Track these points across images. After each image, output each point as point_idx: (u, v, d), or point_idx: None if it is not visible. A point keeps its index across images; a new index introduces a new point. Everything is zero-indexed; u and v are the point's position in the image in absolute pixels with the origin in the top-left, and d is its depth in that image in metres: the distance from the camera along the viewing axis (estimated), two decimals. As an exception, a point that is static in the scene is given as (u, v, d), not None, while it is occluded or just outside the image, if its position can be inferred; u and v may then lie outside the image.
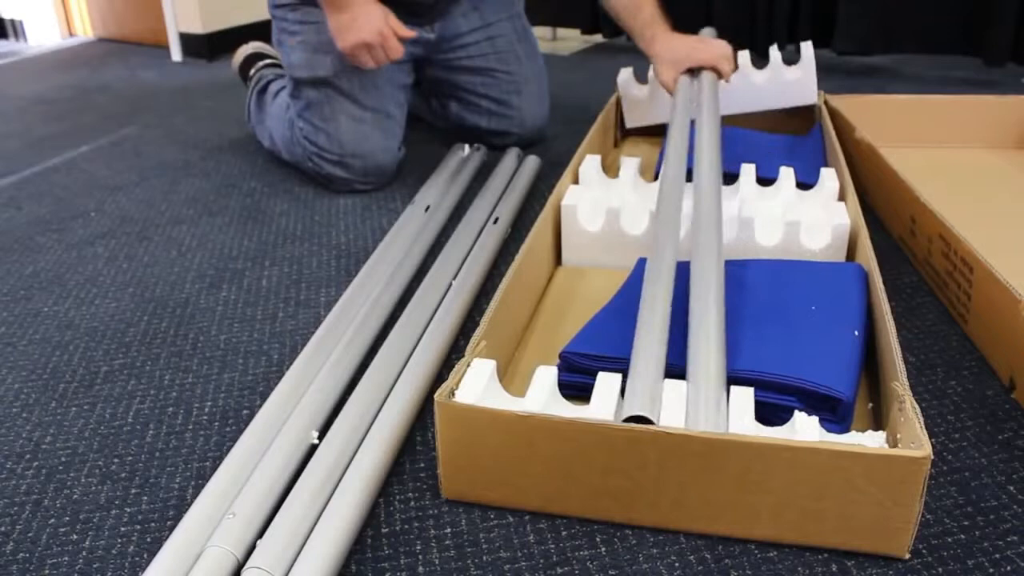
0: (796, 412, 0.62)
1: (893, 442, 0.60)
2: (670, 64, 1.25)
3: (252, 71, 1.53)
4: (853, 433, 0.60)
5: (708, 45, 1.25)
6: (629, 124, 1.44)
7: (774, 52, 1.37)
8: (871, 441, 0.59)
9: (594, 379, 0.65)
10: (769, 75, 1.35)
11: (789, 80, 1.35)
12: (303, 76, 1.25)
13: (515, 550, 0.62)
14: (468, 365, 0.66)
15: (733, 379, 0.68)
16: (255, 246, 1.12)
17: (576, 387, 0.72)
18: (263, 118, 1.43)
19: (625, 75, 1.42)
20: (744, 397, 0.63)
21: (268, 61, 1.54)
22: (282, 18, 1.27)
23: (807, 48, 1.34)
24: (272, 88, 1.43)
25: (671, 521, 0.63)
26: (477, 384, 0.65)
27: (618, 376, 0.65)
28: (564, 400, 0.66)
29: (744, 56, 1.37)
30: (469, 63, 1.38)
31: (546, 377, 0.65)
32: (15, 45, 2.49)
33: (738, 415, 0.62)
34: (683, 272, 0.90)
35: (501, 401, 0.64)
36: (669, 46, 1.25)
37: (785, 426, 0.62)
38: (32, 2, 2.49)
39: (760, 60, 1.99)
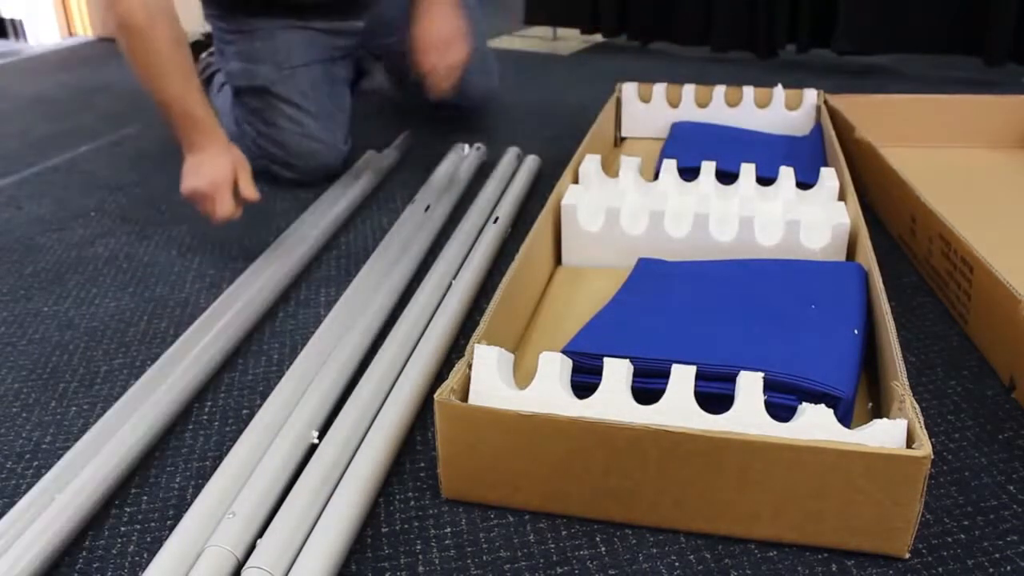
0: (805, 405, 0.62)
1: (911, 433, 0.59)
2: (416, 44, 1.22)
3: (203, 54, 1.53)
4: (876, 421, 0.59)
5: (443, 55, 1.21)
6: (625, 134, 1.44)
7: (777, 92, 1.37)
8: (892, 429, 0.59)
9: (594, 377, 0.65)
10: (770, 114, 1.38)
11: (790, 121, 1.38)
12: (241, 84, 1.27)
13: (515, 550, 0.62)
14: (473, 354, 0.66)
15: (732, 378, 0.68)
16: (255, 246, 1.12)
17: (576, 386, 0.72)
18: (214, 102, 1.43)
19: (629, 90, 1.42)
20: (753, 384, 0.63)
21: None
22: (216, 27, 1.29)
23: (810, 93, 1.37)
24: (217, 80, 1.44)
25: (671, 521, 0.63)
26: (488, 370, 0.65)
27: (626, 364, 0.65)
28: (570, 391, 0.65)
29: (749, 92, 1.38)
30: (403, 47, 1.36)
31: (551, 366, 0.65)
32: (15, 45, 2.49)
33: (746, 404, 0.62)
34: (687, 271, 0.91)
35: (510, 394, 0.64)
36: (429, 22, 1.21)
37: (794, 420, 0.61)
38: (32, 2, 2.48)
39: (762, 58, 1.98)
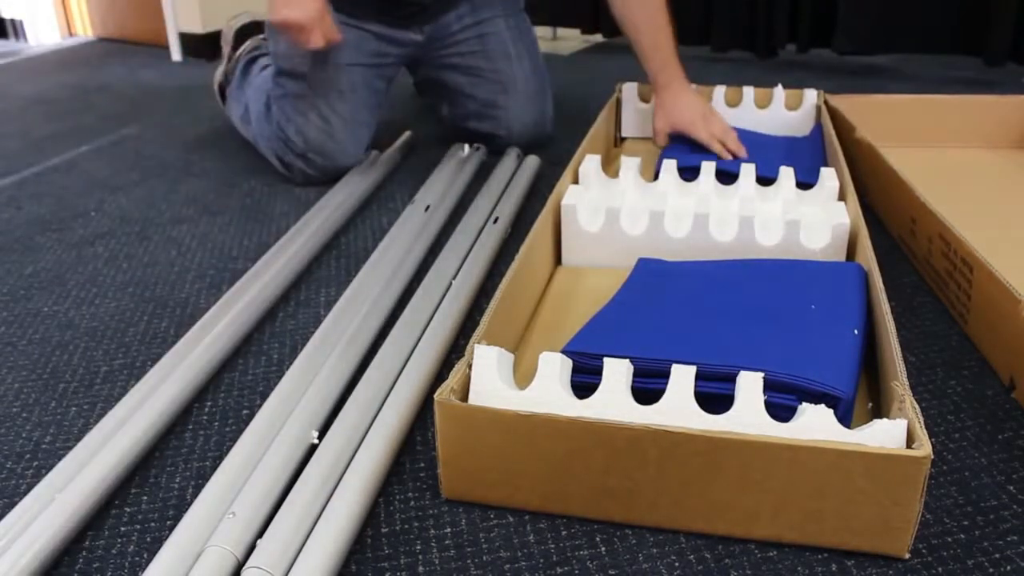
0: (805, 405, 0.62)
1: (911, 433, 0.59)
2: (668, 121, 1.29)
3: (248, 41, 1.53)
4: (876, 421, 0.59)
5: (709, 123, 1.27)
6: (625, 134, 1.44)
7: (778, 92, 1.37)
8: (892, 429, 0.59)
9: (594, 377, 0.65)
10: (770, 114, 1.38)
11: (790, 121, 1.38)
12: (284, 66, 1.28)
13: (515, 550, 0.62)
14: (472, 355, 0.66)
15: (732, 378, 0.68)
16: (255, 246, 1.12)
17: (576, 386, 0.72)
18: (244, 86, 1.44)
19: (629, 90, 1.42)
20: (753, 384, 0.63)
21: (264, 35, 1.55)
22: None
23: (810, 94, 1.37)
24: (261, 61, 1.44)
25: (671, 521, 0.63)
26: (488, 370, 0.65)
27: (626, 364, 0.65)
28: (570, 391, 0.65)
29: (749, 92, 1.38)
30: (459, 61, 1.37)
31: (551, 366, 0.65)
32: (15, 45, 2.49)
33: (746, 404, 0.62)
34: (687, 271, 0.91)
35: (510, 394, 0.64)
36: (675, 103, 1.28)
37: (794, 420, 0.61)
38: (32, 2, 2.49)
39: (762, 58, 1.98)
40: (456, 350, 0.87)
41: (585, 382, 0.68)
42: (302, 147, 1.29)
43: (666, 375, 0.64)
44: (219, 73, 1.57)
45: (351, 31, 1.28)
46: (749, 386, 0.62)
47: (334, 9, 1.26)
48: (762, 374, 0.63)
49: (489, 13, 1.37)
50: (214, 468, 0.70)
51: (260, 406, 0.77)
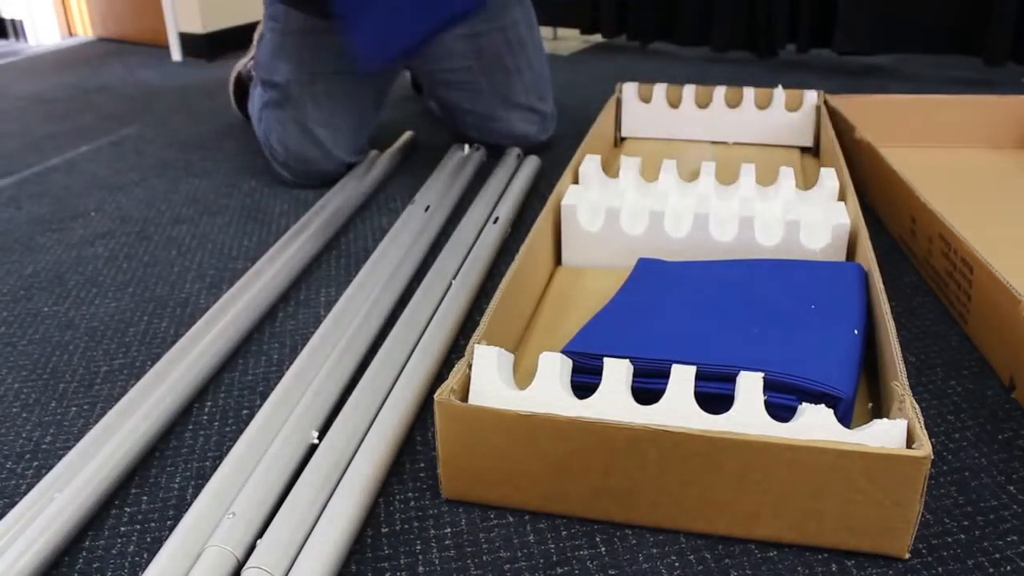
0: (805, 405, 0.62)
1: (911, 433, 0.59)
2: None
3: None
4: (876, 421, 0.59)
5: None
6: (625, 134, 1.44)
7: (778, 92, 1.37)
8: (892, 429, 0.59)
9: (594, 377, 0.65)
10: (770, 115, 1.38)
11: (790, 122, 1.37)
12: (263, 76, 1.27)
13: (515, 550, 0.62)
14: (473, 355, 0.66)
15: (732, 378, 0.68)
16: (255, 246, 1.12)
17: (576, 386, 0.72)
18: (255, 86, 1.44)
19: (629, 90, 1.42)
20: (753, 384, 0.63)
21: None
22: (266, 9, 1.29)
23: (811, 95, 1.37)
24: None
25: (671, 521, 0.63)
26: (488, 370, 0.65)
27: (626, 364, 0.65)
28: (570, 391, 0.65)
29: (749, 92, 1.38)
30: (453, 77, 1.35)
31: (551, 366, 0.65)
32: (15, 45, 2.49)
33: (746, 404, 0.62)
34: (687, 271, 0.91)
35: (510, 394, 0.64)
36: None
37: (794, 420, 0.61)
38: (32, 2, 2.48)
39: (762, 58, 1.98)
40: (456, 350, 0.87)
41: (585, 382, 0.68)
42: (283, 157, 1.29)
43: (666, 375, 0.64)
44: (241, 63, 1.56)
45: (332, 37, 1.27)
46: (749, 386, 0.63)
47: (318, 17, 1.25)
48: (762, 374, 0.63)
49: (483, 25, 1.34)
50: (214, 468, 0.70)
51: (260, 406, 0.76)
